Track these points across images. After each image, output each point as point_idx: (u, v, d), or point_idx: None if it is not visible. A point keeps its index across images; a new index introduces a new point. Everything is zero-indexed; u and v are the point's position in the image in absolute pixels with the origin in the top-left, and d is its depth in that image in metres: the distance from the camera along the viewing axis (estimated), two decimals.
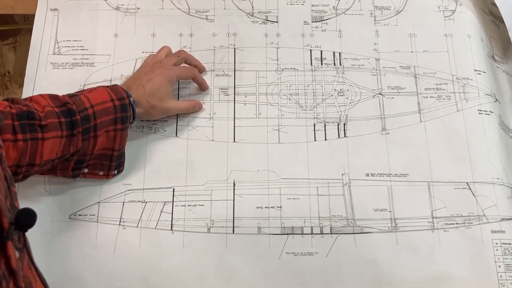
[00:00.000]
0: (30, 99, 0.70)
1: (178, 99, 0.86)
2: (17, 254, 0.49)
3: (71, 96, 0.72)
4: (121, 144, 0.76)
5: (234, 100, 0.87)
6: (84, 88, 0.80)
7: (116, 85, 0.76)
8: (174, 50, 0.88)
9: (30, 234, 0.52)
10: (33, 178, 0.77)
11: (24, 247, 0.52)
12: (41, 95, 0.70)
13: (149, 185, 0.81)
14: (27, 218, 0.49)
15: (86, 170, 0.76)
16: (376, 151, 0.84)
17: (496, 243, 0.78)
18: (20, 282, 0.48)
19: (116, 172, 0.79)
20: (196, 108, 0.84)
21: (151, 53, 0.89)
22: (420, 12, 0.93)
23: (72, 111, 0.68)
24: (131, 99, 0.75)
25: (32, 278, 0.53)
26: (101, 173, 0.77)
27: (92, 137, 0.71)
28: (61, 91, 0.72)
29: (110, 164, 0.77)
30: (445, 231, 0.79)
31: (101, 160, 0.76)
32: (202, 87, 0.86)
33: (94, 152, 0.73)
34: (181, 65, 0.84)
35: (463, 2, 0.94)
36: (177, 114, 0.84)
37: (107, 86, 0.75)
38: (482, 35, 0.93)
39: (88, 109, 0.70)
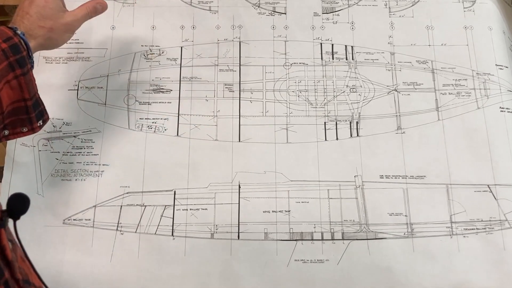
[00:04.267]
0: None
1: None
2: (10, 245, 0.48)
3: None
4: (31, 91, 0.68)
5: (239, 97, 0.86)
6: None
7: (1, 26, 0.67)
8: (172, 44, 0.88)
9: (22, 240, 0.52)
10: (26, 179, 0.77)
11: (16, 239, 0.52)
12: None
13: (149, 187, 0.80)
14: (19, 204, 0.49)
15: (6, 132, 0.69)
16: (391, 151, 0.83)
17: None
18: (16, 274, 0.48)
19: (41, 123, 0.71)
20: (98, 9, 0.75)
21: (150, 47, 0.88)
22: (438, 3, 0.92)
23: None
24: (19, 32, 0.66)
25: (27, 270, 0.52)
26: (25, 129, 0.70)
27: None
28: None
29: (29, 116, 0.69)
30: (464, 236, 0.78)
31: (17, 115, 0.68)
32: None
33: (5, 110, 0.66)
34: None
35: None
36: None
37: None
38: (504, 28, 0.92)
39: None
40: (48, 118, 0.72)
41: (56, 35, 0.70)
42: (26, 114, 0.69)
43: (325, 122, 0.84)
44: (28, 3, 0.70)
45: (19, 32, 0.66)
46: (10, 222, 0.52)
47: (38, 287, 0.54)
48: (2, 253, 0.47)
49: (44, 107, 0.71)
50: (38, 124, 0.71)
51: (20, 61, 0.65)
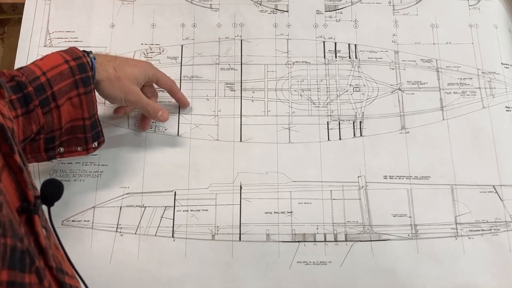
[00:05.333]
0: None
1: None
2: (44, 232, 0.49)
3: (19, 68, 0.66)
4: (91, 111, 0.71)
5: (241, 96, 0.85)
6: None
7: (72, 46, 0.71)
8: (173, 42, 0.88)
9: None
10: None
11: (50, 226, 0.52)
12: None
13: (149, 188, 0.79)
14: (53, 190, 0.49)
15: (61, 149, 0.72)
16: (395, 151, 0.82)
17: None
18: (50, 261, 0.48)
19: (96, 145, 0.75)
20: (158, 114, 0.78)
21: (150, 45, 0.88)
22: (443, 0, 0.92)
23: (22, 84, 0.63)
24: (91, 56, 0.70)
25: (61, 258, 0.52)
26: (79, 148, 0.73)
27: (54, 108, 0.66)
28: None
29: (85, 136, 0.73)
30: (469, 238, 0.78)
31: (74, 134, 0.72)
32: (183, 104, 0.84)
33: (63, 126, 0.69)
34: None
35: None
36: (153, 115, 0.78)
37: (61, 50, 0.70)
38: (510, 26, 0.91)
39: (40, 78, 0.65)
40: (103, 141, 0.76)
41: (117, 84, 0.72)
42: (83, 134, 0.72)
43: (328, 122, 0.84)
44: (121, 57, 0.76)
45: (91, 55, 0.70)
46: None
47: (71, 275, 0.54)
48: (36, 240, 0.47)
49: (102, 129, 0.75)
50: (93, 145, 0.74)
51: (85, 80, 0.68)
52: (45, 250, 0.47)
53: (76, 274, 0.56)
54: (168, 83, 0.81)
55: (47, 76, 0.65)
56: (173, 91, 0.82)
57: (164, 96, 0.85)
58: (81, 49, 0.71)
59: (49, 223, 0.53)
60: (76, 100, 0.69)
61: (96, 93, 0.73)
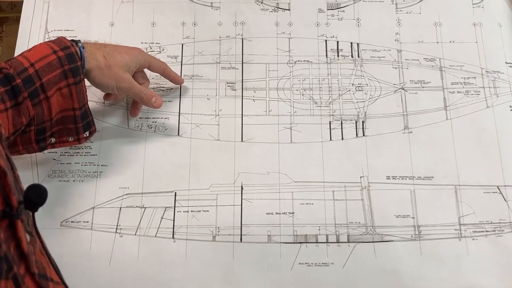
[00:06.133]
0: None
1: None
2: (28, 237, 0.48)
3: (7, 60, 0.66)
4: (81, 101, 0.71)
5: (242, 96, 0.85)
6: None
7: (61, 36, 0.71)
8: (173, 41, 0.88)
9: None
10: (22, 180, 0.75)
11: (35, 231, 0.51)
12: None
13: (149, 189, 0.79)
14: (37, 195, 0.48)
15: (52, 140, 0.73)
16: (398, 151, 0.82)
17: None
18: (32, 267, 0.48)
19: (87, 134, 0.75)
20: (152, 101, 0.77)
21: (150, 44, 0.88)
22: None
23: (10, 76, 0.63)
24: (80, 45, 0.70)
25: (46, 264, 0.52)
26: (71, 139, 0.73)
27: (44, 99, 0.66)
28: None
29: (76, 126, 0.73)
30: (473, 239, 0.77)
31: (65, 124, 0.72)
32: (176, 82, 0.84)
33: (53, 117, 0.69)
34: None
35: None
36: (143, 103, 0.78)
37: (49, 40, 0.70)
38: None
39: (28, 69, 0.64)
40: (95, 130, 0.76)
41: (107, 72, 0.72)
42: (74, 124, 0.72)
43: (330, 122, 0.83)
44: (110, 45, 0.75)
45: (80, 44, 0.69)
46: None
47: (56, 282, 0.53)
48: (18, 245, 0.46)
49: (92, 118, 0.74)
50: (85, 135, 0.74)
51: (74, 70, 0.68)
52: (27, 256, 0.47)
53: (61, 281, 0.55)
54: (160, 66, 0.81)
55: (35, 67, 0.65)
56: (166, 73, 0.82)
57: (156, 83, 0.85)
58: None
59: (35, 228, 0.52)
60: (66, 91, 0.69)
61: (88, 82, 0.73)
